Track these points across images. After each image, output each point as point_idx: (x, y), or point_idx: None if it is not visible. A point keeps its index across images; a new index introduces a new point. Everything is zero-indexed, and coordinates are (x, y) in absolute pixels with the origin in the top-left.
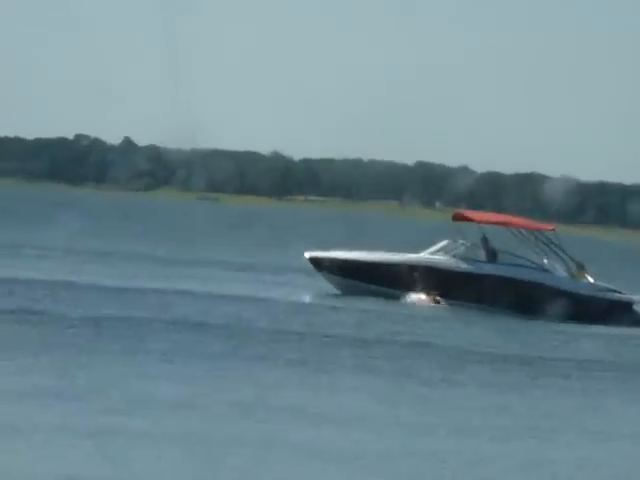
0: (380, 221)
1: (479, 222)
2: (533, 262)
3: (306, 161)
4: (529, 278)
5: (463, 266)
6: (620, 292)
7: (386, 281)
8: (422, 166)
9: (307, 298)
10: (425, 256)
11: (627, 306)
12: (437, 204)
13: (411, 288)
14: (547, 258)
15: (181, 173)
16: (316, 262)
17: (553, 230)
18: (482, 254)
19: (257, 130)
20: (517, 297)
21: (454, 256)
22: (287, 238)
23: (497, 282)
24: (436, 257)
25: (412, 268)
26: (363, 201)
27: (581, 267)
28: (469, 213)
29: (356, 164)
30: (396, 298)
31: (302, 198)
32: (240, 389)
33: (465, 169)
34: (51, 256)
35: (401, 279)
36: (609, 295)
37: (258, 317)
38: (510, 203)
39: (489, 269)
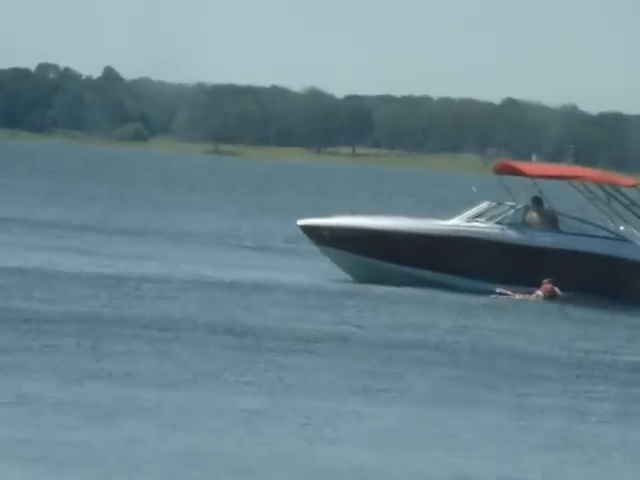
0: (456, 181)
1: (531, 175)
2: (606, 229)
3: (353, 99)
4: (601, 251)
5: (513, 236)
6: None
7: (407, 258)
8: (513, 105)
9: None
10: (460, 223)
11: None
12: (534, 157)
13: (440, 267)
14: (625, 223)
15: (183, 116)
16: (313, 233)
17: (634, 185)
18: (536, 219)
19: (284, 59)
20: (588, 276)
21: (499, 222)
22: (327, 206)
23: (560, 257)
24: (475, 225)
25: (441, 240)
26: (432, 154)
27: None
28: (518, 164)
29: (422, 103)
30: (426, 282)
31: (348, 150)
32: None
33: (574, 110)
34: None
35: (427, 255)
36: None
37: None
38: (638, 152)
39: (547, 240)
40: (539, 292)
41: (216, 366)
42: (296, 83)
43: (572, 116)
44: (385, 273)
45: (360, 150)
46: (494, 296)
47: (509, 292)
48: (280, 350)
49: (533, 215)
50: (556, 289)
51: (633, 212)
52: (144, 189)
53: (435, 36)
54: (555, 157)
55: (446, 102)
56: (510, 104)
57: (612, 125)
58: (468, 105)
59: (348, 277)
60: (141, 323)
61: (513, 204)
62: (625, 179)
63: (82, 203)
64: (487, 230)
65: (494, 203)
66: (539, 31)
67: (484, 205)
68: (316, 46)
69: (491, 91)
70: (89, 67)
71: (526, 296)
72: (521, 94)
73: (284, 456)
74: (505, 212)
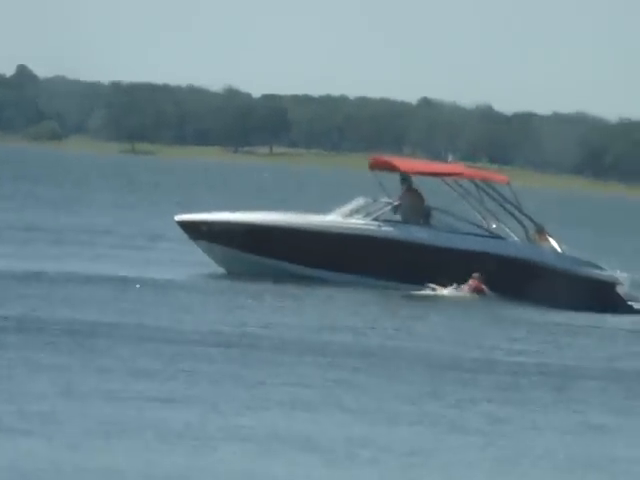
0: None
1: (406, 172)
2: (478, 225)
3: (270, 98)
4: (472, 247)
5: (387, 232)
6: (598, 266)
7: (283, 253)
8: (428, 105)
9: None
10: (335, 219)
11: (607, 287)
12: (450, 157)
13: (315, 262)
14: (497, 220)
15: (99, 115)
16: (191, 227)
17: (507, 182)
18: (411, 215)
19: (201, 58)
20: (457, 271)
21: (375, 218)
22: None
23: (432, 253)
24: (350, 221)
25: (316, 235)
26: (349, 154)
27: (542, 230)
28: (392, 159)
29: (339, 103)
30: (298, 275)
31: (265, 150)
32: None
33: (488, 110)
34: None
35: (302, 250)
36: (582, 270)
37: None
38: (552, 152)
39: (421, 236)
40: (465, 288)
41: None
42: (213, 82)
43: (487, 116)
44: (261, 268)
45: (277, 150)
46: (423, 290)
47: (436, 287)
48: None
49: (408, 211)
50: (483, 286)
51: (505, 209)
52: (41, 186)
53: (351, 36)
54: (470, 157)
55: (362, 102)
56: (425, 104)
57: (526, 125)
58: (384, 105)
59: (226, 272)
60: None
61: (389, 200)
62: (498, 176)
63: None
64: (364, 226)
65: (369, 199)
66: (454, 30)
67: (360, 201)
68: (232, 45)
69: (407, 91)
70: (2, 65)
71: (454, 292)
72: (436, 94)
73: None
74: (381, 208)
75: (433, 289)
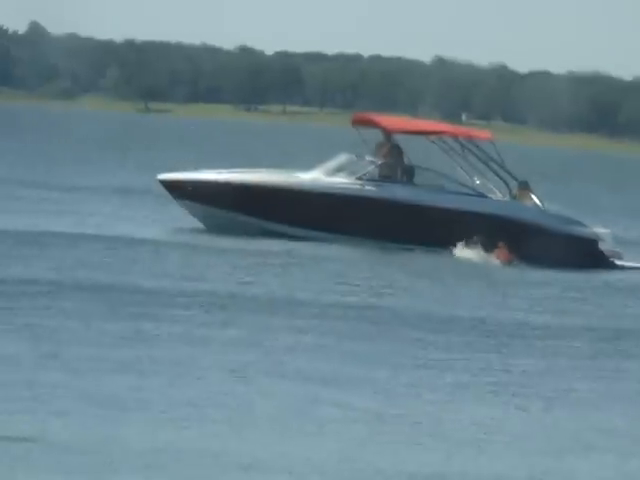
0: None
1: (389, 129)
2: (461, 182)
3: (283, 56)
4: (455, 205)
5: (369, 191)
6: (581, 223)
7: (265, 211)
8: (443, 64)
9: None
10: (317, 177)
11: (589, 243)
12: (464, 116)
13: (296, 221)
14: (481, 176)
15: (112, 74)
16: (174, 187)
17: (490, 139)
18: (394, 173)
19: (214, 16)
20: (441, 230)
21: (358, 177)
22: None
23: (415, 212)
24: (332, 179)
25: (297, 194)
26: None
27: (524, 187)
28: (375, 117)
29: (354, 62)
30: (280, 234)
31: (279, 108)
32: None
33: (503, 69)
34: None
35: (284, 209)
36: (564, 227)
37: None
38: (567, 111)
39: (404, 194)
40: (494, 255)
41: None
42: (226, 40)
43: (501, 75)
44: (244, 226)
45: (291, 108)
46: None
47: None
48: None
49: (391, 169)
50: (510, 255)
51: (489, 166)
52: (54, 144)
53: None
54: (485, 116)
55: (376, 60)
56: (439, 62)
57: (540, 84)
58: (398, 63)
59: (208, 230)
60: None
61: (373, 159)
62: (481, 132)
63: None
64: (346, 185)
65: (353, 156)
66: None
67: (343, 158)
68: (246, 3)
69: (421, 50)
70: (13, 22)
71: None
72: (450, 52)
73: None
74: (365, 167)
75: (458, 252)
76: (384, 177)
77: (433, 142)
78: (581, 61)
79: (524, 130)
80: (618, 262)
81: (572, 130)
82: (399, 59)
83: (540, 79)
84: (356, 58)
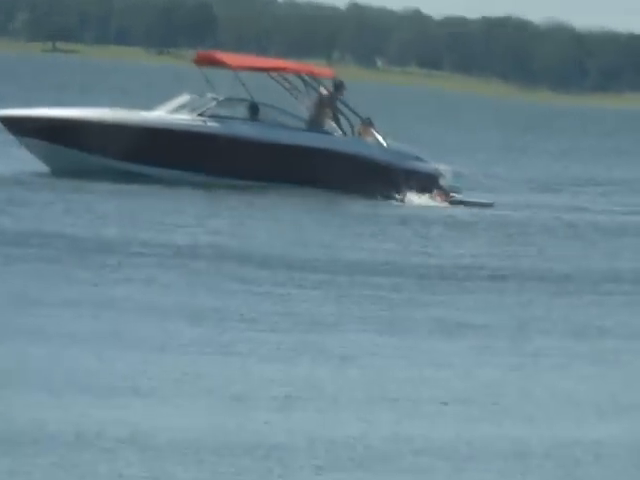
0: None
1: (233, 67)
2: (304, 119)
3: None
4: (296, 141)
5: (213, 127)
6: (422, 159)
7: (106, 148)
8: (358, 9)
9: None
10: (160, 115)
11: (429, 179)
12: (379, 62)
13: (138, 157)
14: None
15: (22, 17)
16: (14, 123)
17: (332, 75)
18: (239, 111)
19: None
20: (284, 166)
21: (200, 114)
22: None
23: (258, 147)
24: (175, 116)
25: (138, 130)
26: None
27: (368, 123)
28: (219, 55)
29: (268, 5)
30: (122, 171)
31: (192, 53)
32: None
33: (417, 14)
34: None
35: (126, 146)
36: (404, 162)
37: None
38: (480, 58)
39: (247, 131)
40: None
41: None
42: None
43: (416, 20)
44: (86, 165)
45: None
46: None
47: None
48: None
49: (236, 107)
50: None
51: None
52: None
53: None
54: (399, 61)
55: (291, 5)
56: (355, 8)
57: (455, 29)
58: (313, 8)
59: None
60: None
61: (215, 96)
62: (323, 70)
63: None
64: (188, 122)
65: (195, 95)
66: None
67: (185, 97)
68: None
69: None
70: None
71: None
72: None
73: None
74: (207, 104)
75: (401, 199)
76: (227, 114)
77: (275, 80)
78: (495, 7)
79: (440, 76)
80: (457, 197)
81: (487, 76)
82: (314, 4)
83: (454, 24)
84: (270, 2)
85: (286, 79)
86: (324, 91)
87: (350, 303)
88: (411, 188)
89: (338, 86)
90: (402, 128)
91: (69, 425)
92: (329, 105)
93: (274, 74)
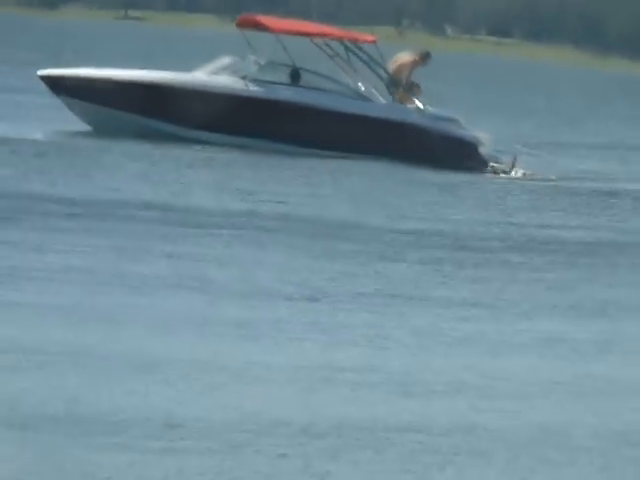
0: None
1: (274, 30)
2: (345, 85)
3: None
4: (336, 106)
5: (254, 90)
6: (463, 126)
7: (148, 110)
8: None
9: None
10: (201, 76)
11: (468, 146)
12: (448, 29)
13: (180, 120)
14: (364, 80)
15: None
16: (55, 82)
17: (374, 42)
18: (281, 75)
19: None
20: (325, 131)
21: (242, 77)
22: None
23: (299, 112)
24: (218, 78)
25: (180, 92)
26: (348, 27)
27: (411, 89)
28: (260, 18)
29: None
30: (166, 134)
31: None
32: None
33: None
34: None
35: (167, 108)
36: (443, 128)
37: None
38: (551, 25)
39: (288, 94)
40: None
41: None
42: None
43: None
44: (127, 125)
45: None
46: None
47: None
48: None
49: (278, 71)
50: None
51: (372, 69)
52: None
53: None
54: (469, 29)
55: None
56: None
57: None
58: None
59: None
60: None
61: (256, 59)
62: (365, 36)
63: None
64: (229, 84)
65: (237, 57)
66: None
67: (226, 59)
68: None
69: None
70: None
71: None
72: None
73: None
74: (248, 67)
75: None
76: (269, 78)
77: (317, 45)
78: None
79: (510, 44)
80: (497, 166)
81: (560, 43)
82: None
83: None
84: None
85: (328, 45)
86: (410, 57)
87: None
88: (448, 154)
89: (425, 56)
90: (466, 96)
91: None
92: (409, 72)
93: (316, 39)
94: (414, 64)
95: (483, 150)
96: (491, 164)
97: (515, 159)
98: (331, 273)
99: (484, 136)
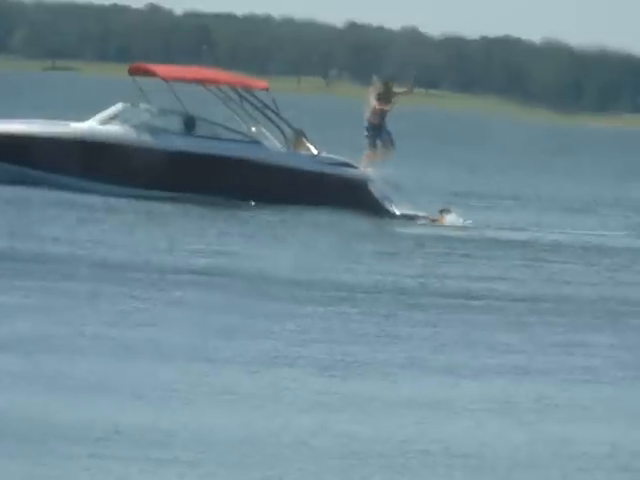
0: (300, 102)
1: (166, 78)
2: (238, 131)
3: (193, 16)
4: (230, 153)
5: (147, 140)
6: (353, 166)
7: (37, 162)
8: (355, 29)
9: None
10: (92, 126)
11: (358, 184)
12: (375, 79)
13: (72, 171)
14: (257, 125)
15: (21, 34)
16: None
17: (266, 89)
18: (173, 123)
19: None
20: (218, 179)
21: (133, 126)
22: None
23: (195, 162)
24: (107, 128)
25: (69, 144)
26: (275, 76)
27: (300, 135)
28: (152, 66)
29: (263, 24)
30: (54, 185)
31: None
32: None
33: (414, 32)
34: None
35: (58, 159)
36: (336, 170)
37: None
38: (479, 75)
39: (183, 144)
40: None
41: None
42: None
43: (413, 39)
44: (25, 178)
45: None
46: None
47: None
48: None
49: (170, 119)
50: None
51: (265, 114)
52: None
53: None
54: (397, 79)
55: (288, 23)
56: (352, 27)
57: (454, 48)
58: (310, 27)
59: None
60: None
61: (149, 106)
62: (257, 82)
63: None
64: (121, 134)
65: (128, 105)
66: None
67: (118, 106)
68: None
69: (333, 14)
70: None
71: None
72: (363, 18)
73: None
74: (140, 115)
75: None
76: (162, 126)
77: (210, 91)
78: (493, 27)
79: (437, 95)
80: (389, 206)
81: (486, 93)
82: (311, 23)
83: (453, 43)
84: (267, 20)
85: (220, 90)
86: (375, 103)
87: None
88: (339, 195)
89: (387, 86)
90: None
91: None
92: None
93: (209, 86)
94: (381, 110)
95: (373, 188)
96: (387, 204)
97: (444, 209)
98: None
99: (375, 174)
